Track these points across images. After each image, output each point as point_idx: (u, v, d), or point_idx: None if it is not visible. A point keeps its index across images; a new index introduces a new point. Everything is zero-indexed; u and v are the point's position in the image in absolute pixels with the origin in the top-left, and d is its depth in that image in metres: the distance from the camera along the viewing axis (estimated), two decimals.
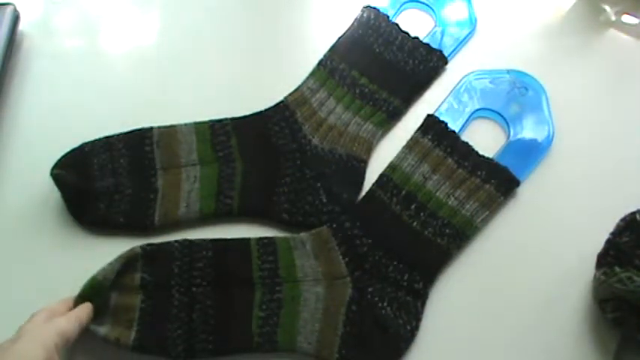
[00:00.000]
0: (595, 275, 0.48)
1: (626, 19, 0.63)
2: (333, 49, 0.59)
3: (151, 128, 0.54)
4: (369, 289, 0.49)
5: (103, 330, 0.44)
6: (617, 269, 0.45)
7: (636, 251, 0.44)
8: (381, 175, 0.53)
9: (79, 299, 0.45)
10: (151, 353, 0.45)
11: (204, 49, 0.61)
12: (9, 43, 0.57)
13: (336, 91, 0.57)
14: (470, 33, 0.61)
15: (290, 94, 0.57)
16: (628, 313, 0.45)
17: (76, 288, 0.45)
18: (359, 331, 0.47)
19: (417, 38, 0.59)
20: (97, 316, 0.45)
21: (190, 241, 0.49)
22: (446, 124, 0.54)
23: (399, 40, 0.59)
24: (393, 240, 0.50)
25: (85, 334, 0.44)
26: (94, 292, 0.45)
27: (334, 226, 0.51)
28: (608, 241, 0.47)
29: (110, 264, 0.46)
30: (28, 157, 0.54)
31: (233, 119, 0.55)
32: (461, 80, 0.58)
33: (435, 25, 0.61)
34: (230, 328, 0.46)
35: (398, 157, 0.53)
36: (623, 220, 0.47)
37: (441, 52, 0.59)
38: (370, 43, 0.59)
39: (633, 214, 0.47)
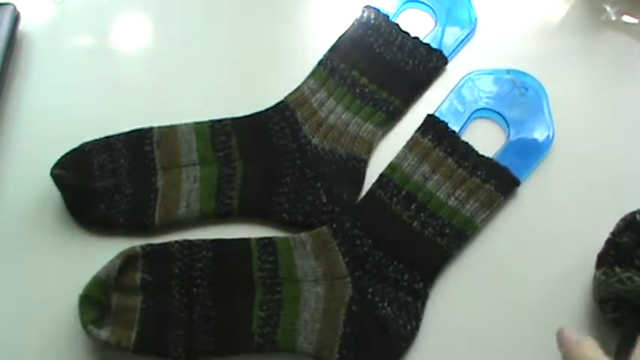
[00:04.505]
0: (595, 275, 0.48)
1: (626, 19, 0.63)
2: (333, 49, 0.59)
3: (151, 128, 0.54)
4: (370, 289, 0.49)
5: (104, 334, 0.43)
6: (617, 269, 0.45)
7: (636, 251, 0.44)
8: (381, 175, 0.53)
9: (84, 299, 0.45)
10: (151, 354, 0.45)
11: (205, 49, 0.61)
12: (9, 43, 0.57)
13: (336, 91, 0.57)
14: (470, 33, 0.61)
15: (290, 94, 0.57)
16: (628, 313, 0.45)
17: (76, 288, 0.45)
18: (359, 332, 0.47)
19: (417, 38, 0.59)
20: (99, 317, 0.44)
21: (190, 242, 0.49)
22: (446, 124, 0.54)
23: (399, 40, 0.59)
24: (393, 240, 0.50)
25: (84, 335, 0.44)
26: (98, 291, 0.45)
27: (334, 226, 0.51)
28: (608, 241, 0.47)
29: (111, 261, 0.46)
30: (28, 157, 0.54)
31: (233, 119, 0.55)
32: (461, 80, 0.58)
33: (435, 25, 0.61)
34: (230, 328, 0.46)
35: (398, 157, 0.53)
36: (623, 220, 0.47)
37: (441, 52, 0.59)
38: (370, 43, 0.59)
39: (633, 213, 0.47)
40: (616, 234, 0.47)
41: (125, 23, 0.63)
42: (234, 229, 0.52)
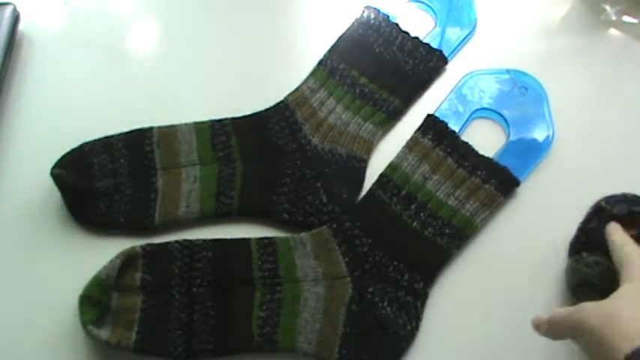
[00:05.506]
0: (567, 264, 0.48)
1: (626, 19, 0.64)
2: (333, 49, 0.59)
3: (151, 128, 0.54)
4: (369, 289, 0.49)
5: (104, 334, 0.43)
6: (585, 254, 0.46)
7: (602, 235, 0.45)
8: (381, 175, 0.53)
9: (84, 299, 0.45)
10: (151, 354, 0.45)
11: (205, 49, 0.61)
12: (9, 43, 0.57)
13: (336, 91, 0.57)
14: (470, 33, 0.61)
15: (290, 94, 0.57)
16: (599, 298, 0.45)
17: (76, 288, 0.45)
18: (359, 331, 0.47)
19: (417, 38, 0.59)
20: (99, 317, 0.44)
21: (190, 242, 0.49)
22: (446, 123, 0.54)
23: (399, 40, 0.59)
24: (393, 240, 0.50)
25: (84, 335, 0.44)
26: (98, 291, 0.45)
27: (334, 226, 0.51)
28: (579, 229, 0.48)
29: (111, 261, 0.46)
30: (28, 157, 0.54)
31: (233, 119, 0.55)
32: (461, 80, 0.58)
33: (435, 25, 0.61)
34: (230, 328, 0.46)
35: (398, 157, 0.53)
36: (591, 207, 0.48)
37: (441, 52, 0.59)
38: (370, 43, 0.59)
39: (600, 201, 0.48)
40: (585, 222, 0.48)
41: (125, 24, 0.63)
42: (234, 229, 0.52)
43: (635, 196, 0.48)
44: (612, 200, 0.48)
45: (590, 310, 0.39)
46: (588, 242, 0.47)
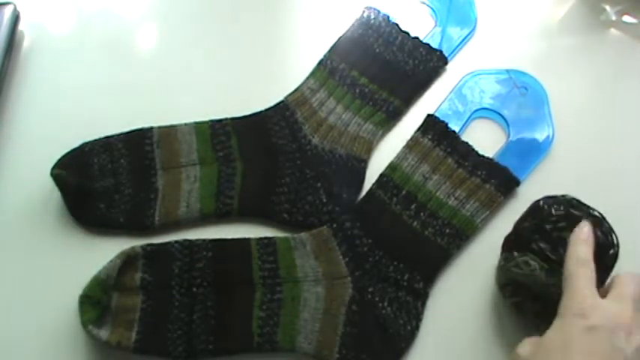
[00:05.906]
0: (498, 260, 0.48)
1: (626, 19, 0.64)
2: (333, 49, 0.59)
3: (151, 128, 0.54)
4: (370, 289, 0.49)
5: (104, 334, 0.44)
6: (516, 254, 0.45)
7: (534, 236, 0.44)
8: (381, 175, 0.53)
9: (84, 299, 0.45)
10: (151, 354, 0.45)
11: (205, 49, 0.61)
12: (9, 43, 0.57)
13: (336, 91, 0.57)
14: (470, 33, 0.61)
15: (290, 94, 0.57)
16: (526, 297, 0.45)
17: (76, 288, 0.45)
18: (359, 331, 0.47)
19: (417, 38, 0.59)
20: (99, 317, 0.44)
21: (190, 242, 0.49)
22: (446, 123, 0.54)
23: (399, 40, 0.59)
24: (393, 240, 0.50)
25: (84, 335, 0.44)
26: (98, 291, 0.45)
27: (334, 226, 0.51)
28: (513, 227, 0.47)
29: (111, 261, 0.46)
30: (28, 157, 0.54)
31: (233, 119, 0.55)
32: (461, 80, 0.58)
33: (435, 25, 0.61)
34: (230, 328, 0.46)
35: (398, 157, 0.53)
36: (529, 206, 0.47)
37: (441, 52, 0.59)
38: (370, 43, 0.59)
39: (538, 200, 0.47)
40: (520, 220, 0.47)
41: (125, 24, 0.63)
42: (234, 229, 0.52)
43: (574, 199, 0.46)
44: (551, 201, 0.46)
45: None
46: (521, 241, 0.45)
